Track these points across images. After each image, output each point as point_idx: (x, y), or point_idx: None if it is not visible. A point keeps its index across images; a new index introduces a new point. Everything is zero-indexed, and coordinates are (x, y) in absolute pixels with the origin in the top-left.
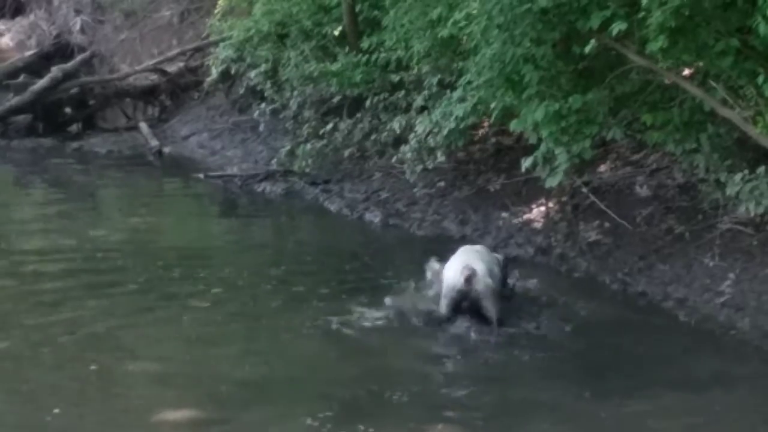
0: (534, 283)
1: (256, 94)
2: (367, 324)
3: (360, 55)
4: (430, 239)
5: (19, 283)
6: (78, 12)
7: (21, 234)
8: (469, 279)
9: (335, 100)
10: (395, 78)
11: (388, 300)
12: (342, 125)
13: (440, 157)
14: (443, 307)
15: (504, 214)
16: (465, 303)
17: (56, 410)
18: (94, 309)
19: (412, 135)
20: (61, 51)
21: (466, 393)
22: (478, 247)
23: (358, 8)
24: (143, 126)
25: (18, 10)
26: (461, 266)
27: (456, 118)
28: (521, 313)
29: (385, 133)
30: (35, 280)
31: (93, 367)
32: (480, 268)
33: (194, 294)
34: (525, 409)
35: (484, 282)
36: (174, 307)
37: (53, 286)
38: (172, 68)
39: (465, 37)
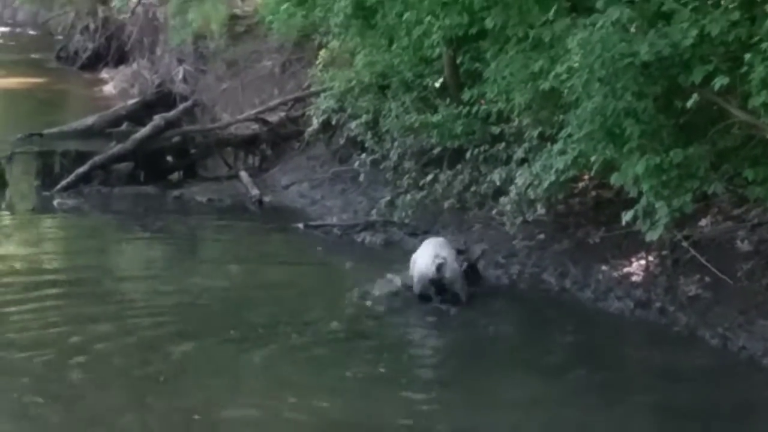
0: None
1: (356, 144)
2: None
3: (461, 107)
4: (529, 292)
5: (116, 329)
6: (180, 61)
7: (120, 280)
8: (440, 267)
9: (435, 151)
10: (496, 130)
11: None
12: (442, 176)
13: (540, 210)
14: (416, 292)
15: (604, 267)
16: (435, 289)
17: None
18: (190, 356)
19: (512, 187)
20: (163, 100)
21: None
22: (440, 239)
23: (459, 60)
24: (244, 175)
25: (121, 59)
26: (432, 257)
27: (556, 170)
28: (617, 363)
29: (485, 185)
30: (133, 326)
31: (196, 417)
32: (448, 256)
33: (292, 341)
34: None
35: (451, 269)
36: (270, 353)
37: (150, 333)
38: (273, 118)
39: (566, 90)
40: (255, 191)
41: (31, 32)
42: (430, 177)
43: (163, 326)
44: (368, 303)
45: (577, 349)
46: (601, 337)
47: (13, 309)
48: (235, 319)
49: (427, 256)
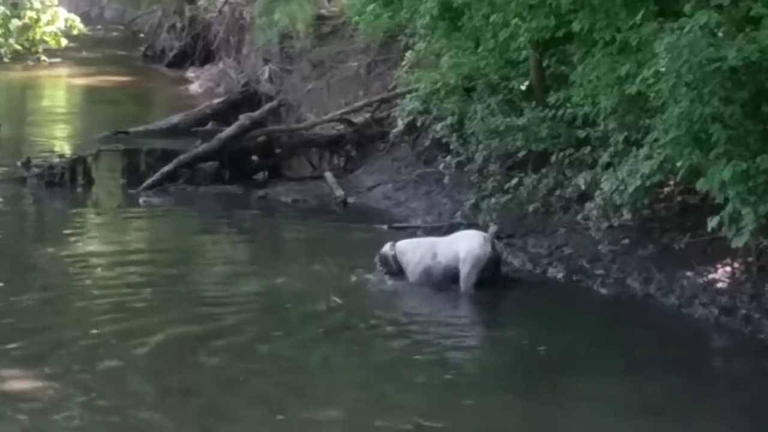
0: None
1: (441, 146)
2: None
3: (546, 110)
4: (613, 297)
5: (200, 329)
6: (266, 61)
7: (204, 280)
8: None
9: (520, 154)
10: (581, 134)
11: None
12: (527, 180)
13: (626, 215)
14: (473, 276)
15: (688, 273)
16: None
17: None
18: (273, 355)
19: (597, 192)
20: (248, 99)
21: None
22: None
23: (545, 63)
24: (328, 176)
25: (207, 58)
26: (480, 239)
27: (642, 175)
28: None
29: (570, 189)
30: (217, 327)
31: (280, 417)
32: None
33: (374, 340)
34: None
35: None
36: (354, 355)
37: (234, 333)
38: (358, 119)
39: (653, 95)
40: (339, 192)
41: (118, 31)
42: (515, 180)
43: (247, 326)
44: (449, 306)
45: (663, 355)
46: (685, 344)
47: (97, 305)
48: (319, 320)
49: (472, 241)
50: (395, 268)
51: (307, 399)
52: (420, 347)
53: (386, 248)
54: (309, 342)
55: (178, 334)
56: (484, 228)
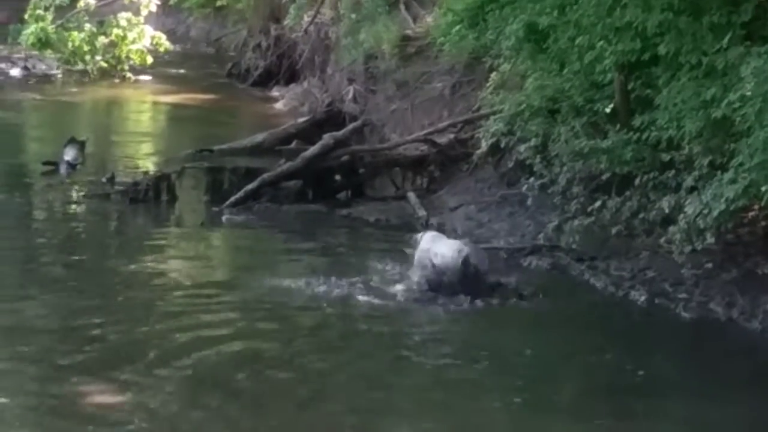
0: None
1: (524, 168)
2: None
3: (631, 133)
4: (696, 321)
5: (278, 345)
6: (351, 81)
7: (283, 298)
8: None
9: (604, 177)
10: (666, 157)
11: None
12: (610, 203)
13: (709, 239)
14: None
15: None
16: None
17: None
18: (346, 374)
19: (681, 215)
20: (332, 119)
21: None
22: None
23: (630, 86)
24: (411, 196)
25: (292, 77)
26: (456, 248)
27: (726, 199)
28: None
29: (654, 212)
30: (294, 347)
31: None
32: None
33: (451, 362)
34: None
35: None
36: (424, 374)
37: (311, 353)
38: (442, 139)
39: (738, 119)
40: (422, 212)
41: (204, 49)
42: (598, 203)
43: (327, 345)
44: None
45: (749, 380)
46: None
47: (177, 321)
48: (395, 339)
49: (447, 248)
50: None
51: (375, 415)
52: (502, 370)
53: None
54: (394, 361)
55: (256, 349)
56: (568, 250)
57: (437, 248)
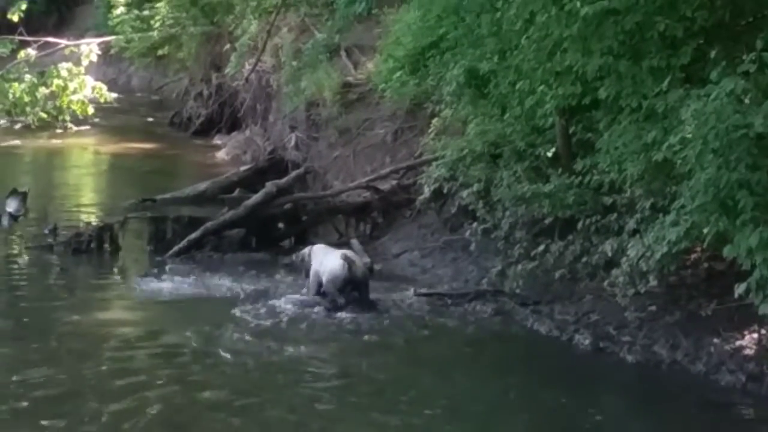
0: None
1: (467, 213)
2: None
3: (573, 177)
4: (640, 364)
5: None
6: (293, 128)
7: (231, 350)
8: (351, 267)
9: (547, 221)
10: (608, 200)
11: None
12: (553, 247)
13: (652, 281)
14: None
15: (715, 340)
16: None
17: None
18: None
19: (623, 258)
20: (275, 166)
21: None
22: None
23: (571, 130)
24: (355, 243)
25: (234, 126)
26: (341, 259)
27: (669, 242)
28: None
29: (597, 256)
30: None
31: None
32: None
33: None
34: None
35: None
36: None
37: (267, 406)
38: (384, 186)
39: (679, 161)
40: (366, 259)
41: (145, 98)
42: (541, 247)
43: (277, 393)
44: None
45: (690, 421)
46: (712, 412)
47: (115, 369)
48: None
49: (334, 258)
50: None
51: None
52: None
53: None
54: (334, 412)
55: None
56: (512, 295)
57: (326, 260)
